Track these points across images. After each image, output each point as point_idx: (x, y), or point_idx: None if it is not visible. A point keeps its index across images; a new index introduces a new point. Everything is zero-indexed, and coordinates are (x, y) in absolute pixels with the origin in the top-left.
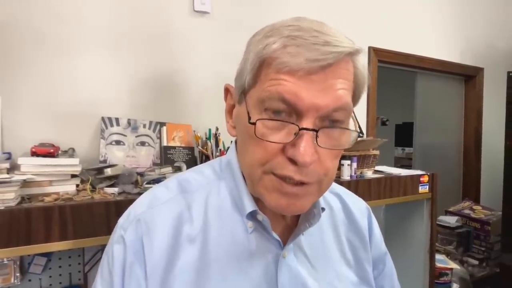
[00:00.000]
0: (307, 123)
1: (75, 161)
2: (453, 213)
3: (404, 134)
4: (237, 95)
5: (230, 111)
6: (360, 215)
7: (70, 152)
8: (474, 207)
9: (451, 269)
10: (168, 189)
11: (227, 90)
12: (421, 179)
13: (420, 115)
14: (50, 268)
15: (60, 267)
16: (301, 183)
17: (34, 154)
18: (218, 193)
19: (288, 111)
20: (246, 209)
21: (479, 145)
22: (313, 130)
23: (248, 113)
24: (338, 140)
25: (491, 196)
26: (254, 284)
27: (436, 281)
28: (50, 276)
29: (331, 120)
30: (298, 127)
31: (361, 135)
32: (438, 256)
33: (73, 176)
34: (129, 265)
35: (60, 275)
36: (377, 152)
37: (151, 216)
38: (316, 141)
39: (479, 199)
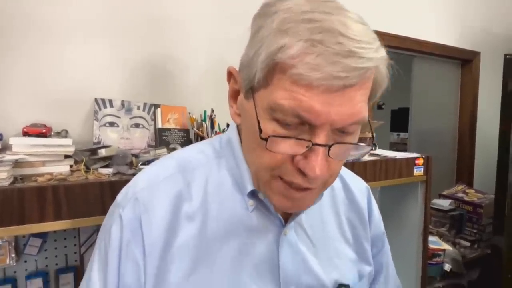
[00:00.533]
0: (321, 138)
1: (68, 141)
2: (446, 197)
3: (399, 120)
4: (244, 87)
5: (233, 96)
6: (360, 195)
7: (63, 134)
8: (467, 190)
9: (444, 250)
10: (166, 166)
11: (230, 74)
12: (416, 161)
13: (416, 99)
14: (46, 250)
15: (55, 248)
16: (307, 188)
17: (25, 134)
18: (218, 171)
19: (301, 122)
20: (247, 187)
21: (474, 129)
22: (326, 145)
23: (259, 123)
24: (349, 151)
25: (484, 180)
26: (255, 261)
27: (429, 261)
28: (46, 258)
29: (343, 131)
30: (311, 142)
31: (373, 149)
32: (431, 238)
33: (67, 156)
34: (126, 243)
35: (56, 256)
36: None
37: (150, 194)
38: (328, 153)
39: (472, 183)
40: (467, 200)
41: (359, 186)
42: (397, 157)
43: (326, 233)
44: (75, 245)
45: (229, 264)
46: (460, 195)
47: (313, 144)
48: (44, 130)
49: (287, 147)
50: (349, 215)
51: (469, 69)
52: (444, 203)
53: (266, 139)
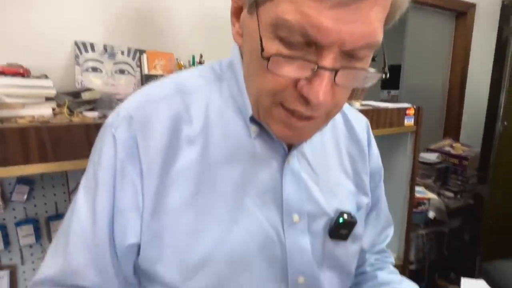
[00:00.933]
0: (327, 61)
1: (49, 82)
2: (433, 151)
3: (390, 77)
4: (248, 0)
5: (236, 13)
6: (360, 129)
7: (42, 79)
8: (454, 144)
9: (429, 199)
10: (163, 87)
11: None
12: (407, 111)
13: (409, 55)
14: (34, 198)
15: (44, 196)
16: (310, 117)
17: (1, 74)
18: (220, 95)
19: (308, 42)
20: (249, 111)
21: (464, 84)
22: (333, 69)
23: (261, 40)
24: (358, 78)
25: (470, 134)
26: (258, 189)
27: (414, 210)
28: (35, 205)
29: (353, 56)
30: (317, 65)
31: (384, 77)
32: (417, 188)
33: (48, 99)
34: (120, 164)
35: (45, 204)
36: None
37: (146, 113)
38: (334, 79)
39: (459, 137)
40: (453, 153)
41: (359, 120)
42: (389, 107)
43: (327, 164)
44: (64, 193)
45: (232, 190)
46: (447, 149)
47: (318, 67)
48: (21, 71)
49: (290, 69)
50: (349, 148)
51: (463, 22)
52: (431, 157)
53: (268, 59)
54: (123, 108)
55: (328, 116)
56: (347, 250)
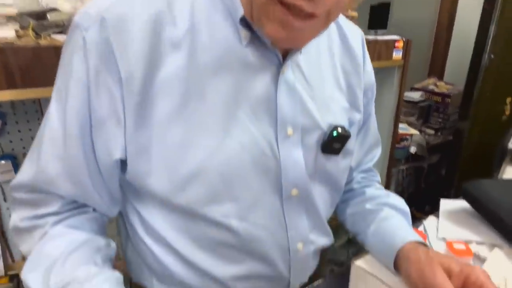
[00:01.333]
0: None
1: None
2: (418, 89)
3: (379, 15)
4: None
5: None
6: (355, 42)
7: None
8: (438, 83)
9: (411, 135)
10: None
11: None
12: (396, 44)
13: None
14: (9, 133)
15: (19, 131)
16: (310, 15)
17: None
18: None
19: None
20: (240, 12)
21: (452, 23)
22: None
23: None
24: None
25: (455, 71)
26: (251, 100)
27: (397, 145)
28: (11, 141)
29: None
30: None
31: None
32: (400, 125)
33: (9, 19)
34: (94, 72)
35: (21, 139)
36: (355, 14)
37: (121, 13)
38: None
39: (443, 76)
40: (437, 92)
41: (354, 32)
42: (378, 39)
43: (322, 77)
44: None
45: (223, 101)
46: (431, 87)
47: None
48: None
49: None
50: (344, 61)
51: None
52: (415, 95)
53: None
54: (94, 6)
55: (328, 18)
56: (338, 164)
